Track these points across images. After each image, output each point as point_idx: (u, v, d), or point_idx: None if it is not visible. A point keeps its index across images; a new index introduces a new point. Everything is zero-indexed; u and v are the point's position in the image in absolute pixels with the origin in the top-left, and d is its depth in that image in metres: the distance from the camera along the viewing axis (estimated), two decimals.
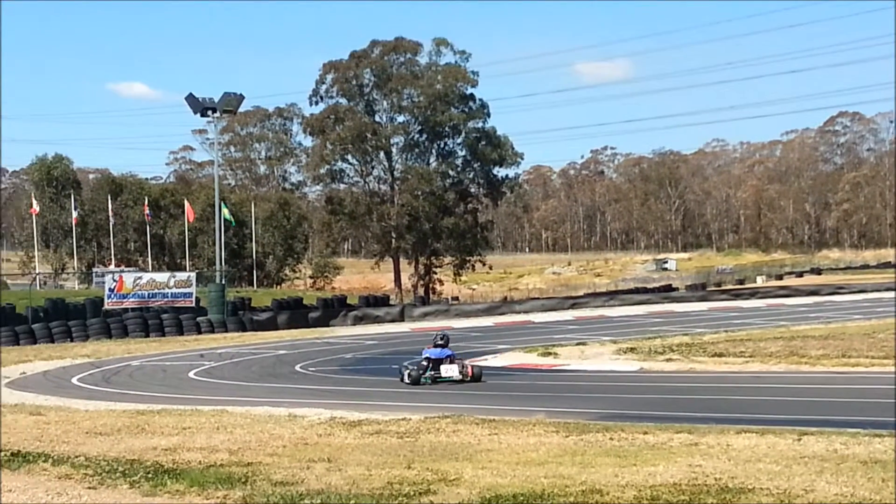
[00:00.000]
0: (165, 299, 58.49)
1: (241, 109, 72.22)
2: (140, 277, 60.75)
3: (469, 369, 25.94)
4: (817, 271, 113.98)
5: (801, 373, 24.98)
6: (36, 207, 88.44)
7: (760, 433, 14.08)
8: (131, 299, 57.95)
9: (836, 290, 69.67)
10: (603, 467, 11.71)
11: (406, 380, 25.80)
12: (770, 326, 42.94)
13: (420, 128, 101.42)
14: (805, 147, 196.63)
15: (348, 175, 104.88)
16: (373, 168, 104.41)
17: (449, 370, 25.85)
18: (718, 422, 15.57)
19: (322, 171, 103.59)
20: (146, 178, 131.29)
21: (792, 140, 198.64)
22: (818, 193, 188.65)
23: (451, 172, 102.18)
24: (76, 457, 13.53)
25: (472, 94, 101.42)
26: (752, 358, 27.97)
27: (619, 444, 13.65)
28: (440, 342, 26.86)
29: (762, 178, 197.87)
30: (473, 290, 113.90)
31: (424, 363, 26.37)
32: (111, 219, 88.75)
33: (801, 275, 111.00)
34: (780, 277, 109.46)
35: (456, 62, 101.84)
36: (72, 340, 50.50)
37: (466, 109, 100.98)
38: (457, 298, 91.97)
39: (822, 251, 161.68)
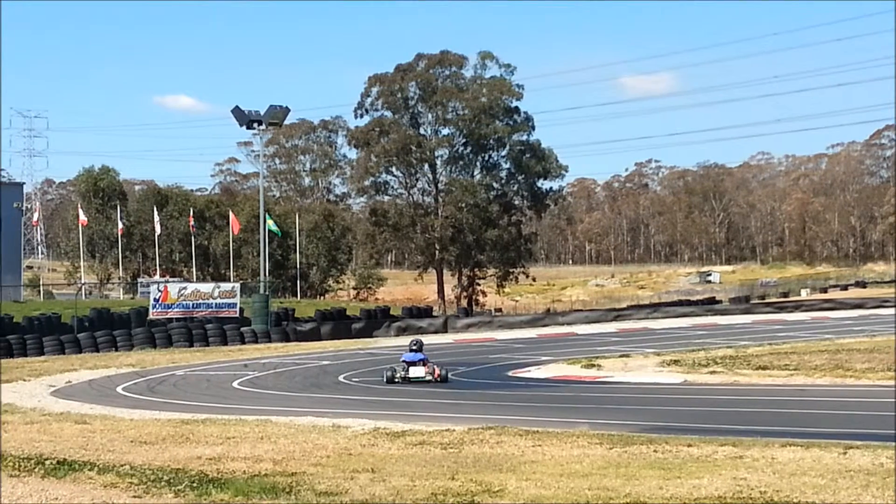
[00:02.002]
0: (210, 309, 58.72)
1: (286, 122, 72.33)
2: (185, 288, 61.00)
3: (436, 372, 29.35)
4: (862, 284, 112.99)
5: (846, 386, 24.82)
6: (84, 219, 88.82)
7: (805, 446, 14.01)
8: (176, 309, 58.22)
9: (882, 303, 69.00)
10: (647, 480, 11.68)
11: (383, 380, 29.53)
12: (815, 339, 42.68)
13: (464, 140, 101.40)
14: (851, 160, 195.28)
15: (392, 187, 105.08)
16: (417, 180, 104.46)
17: (416, 371, 29.42)
18: (763, 435, 15.52)
19: (366, 183, 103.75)
20: (191, 190, 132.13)
21: (838, 153, 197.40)
22: (863, 206, 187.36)
23: (495, 185, 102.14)
24: (121, 465, 13.60)
25: (516, 107, 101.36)
26: (797, 371, 27.83)
27: (663, 457, 13.61)
28: (414, 347, 30.36)
29: (807, 191, 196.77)
30: (517, 301, 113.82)
31: (403, 365, 29.73)
32: (157, 229, 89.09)
33: (845, 288, 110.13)
34: (824, 290, 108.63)
35: (501, 75, 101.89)
36: (117, 350, 50.70)
37: (511, 122, 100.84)
38: (500, 310, 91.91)
39: (867, 264, 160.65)
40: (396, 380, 29.29)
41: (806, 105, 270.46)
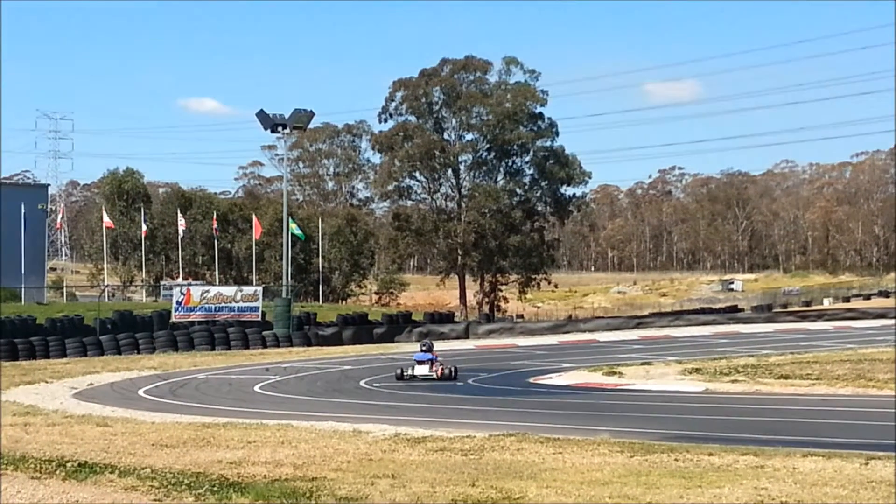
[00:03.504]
0: (232, 313, 58.73)
1: (310, 126, 72.34)
2: (207, 291, 61.03)
3: (439, 370, 32.48)
4: (885, 294, 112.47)
5: (868, 396, 24.73)
6: (110, 221, 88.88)
7: (827, 457, 13.97)
8: (198, 312, 58.26)
9: None
10: (668, 488, 11.65)
11: (395, 377, 32.69)
12: (837, 349, 42.49)
13: (488, 146, 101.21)
14: (875, 169, 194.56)
15: (416, 192, 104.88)
16: (440, 185, 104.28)
17: (421, 369, 32.46)
18: (784, 444, 15.47)
19: (390, 187, 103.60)
20: (215, 193, 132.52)
21: (862, 162, 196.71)
22: (887, 216, 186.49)
23: (518, 191, 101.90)
24: (142, 469, 13.63)
25: (540, 113, 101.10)
26: (819, 380, 27.72)
27: (684, 466, 13.59)
28: (424, 348, 33.80)
29: (831, 199, 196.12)
30: (538, 308, 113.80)
31: (412, 363, 32.91)
32: (180, 232, 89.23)
33: (868, 297, 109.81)
34: (847, 300, 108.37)
35: (525, 81, 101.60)
36: (139, 352, 50.80)
37: (535, 128, 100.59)
38: (522, 316, 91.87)
39: (890, 274, 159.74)
40: (405, 377, 32.39)
41: (830, 113, 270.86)
